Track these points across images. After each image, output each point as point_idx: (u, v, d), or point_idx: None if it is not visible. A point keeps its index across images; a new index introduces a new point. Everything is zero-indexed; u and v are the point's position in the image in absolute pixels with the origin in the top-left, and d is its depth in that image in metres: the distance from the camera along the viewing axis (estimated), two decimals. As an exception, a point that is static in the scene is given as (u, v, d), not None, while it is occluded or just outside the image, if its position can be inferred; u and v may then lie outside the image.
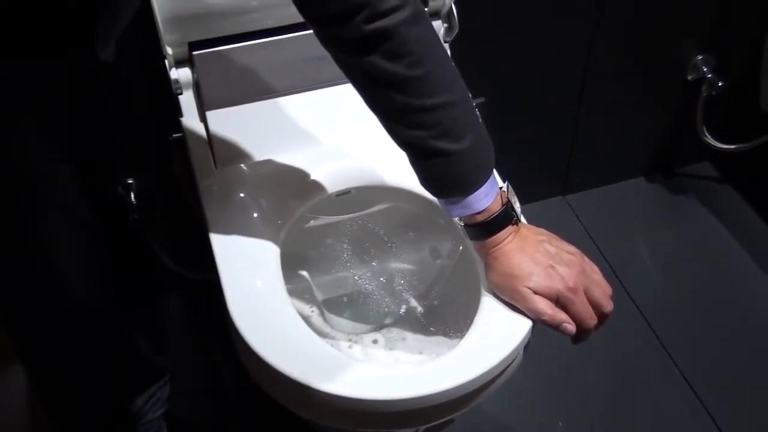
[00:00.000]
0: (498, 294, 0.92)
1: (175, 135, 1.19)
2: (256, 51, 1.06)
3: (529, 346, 0.93)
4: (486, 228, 0.89)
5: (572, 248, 0.92)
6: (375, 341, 1.12)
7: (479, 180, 0.86)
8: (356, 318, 1.15)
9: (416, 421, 0.91)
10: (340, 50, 0.81)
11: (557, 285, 0.88)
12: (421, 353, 1.09)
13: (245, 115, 1.10)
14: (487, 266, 0.92)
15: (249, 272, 0.98)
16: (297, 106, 1.12)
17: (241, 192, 1.08)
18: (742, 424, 1.39)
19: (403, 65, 0.79)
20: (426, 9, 1.10)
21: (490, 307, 0.92)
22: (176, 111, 1.12)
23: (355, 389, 0.85)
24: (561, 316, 0.88)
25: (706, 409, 1.40)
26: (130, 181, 1.33)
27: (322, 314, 1.14)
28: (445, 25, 1.16)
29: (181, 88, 1.07)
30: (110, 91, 1.05)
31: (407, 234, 1.16)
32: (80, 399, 1.15)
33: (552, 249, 0.90)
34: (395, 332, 1.13)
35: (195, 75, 1.07)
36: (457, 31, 1.15)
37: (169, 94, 1.08)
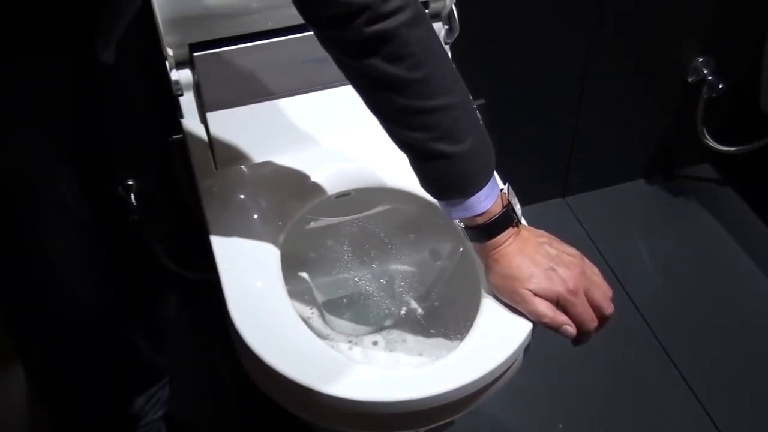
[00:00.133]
0: (498, 296, 0.92)
1: (175, 136, 1.19)
2: (256, 52, 1.06)
3: (529, 348, 0.93)
4: (486, 230, 0.89)
5: (573, 250, 0.92)
6: (375, 343, 1.12)
7: (480, 182, 0.86)
8: (356, 319, 1.15)
9: (416, 423, 0.91)
10: (341, 52, 0.81)
11: (558, 287, 0.87)
12: (421, 355, 1.09)
13: (246, 117, 1.10)
14: (488, 268, 0.92)
15: (249, 273, 0.98)
16: (297, 107, 1.12)
17: (242, 193, 1.08)
18: (741, 424, 1.39)
19: (404, 67, 0.79)
20: (427, 11, 1.11)
21: (490, 309, 0.92)
22: (177, 112, 1.12)
23: (355, 391, 0.85)
24: (561, 318, 0.88)
25: (705, 410, 1.40)
26: (130, 182, 1.33)
27: (322, 316, 1.14)
28: (446, 26, 1.16)
29: (181, 89, 1.07)
30: (111, 92, 1.05)
31: (407, 236, 1.16)
32: (80, 399, 1.16)
33: (552, 251, 0.90)
34: (395, 334, 1.13)
35: (195, 76, 1.07)
36: (457, 33, 1.15)
37: (170, 95, 1.08)
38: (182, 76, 1.07)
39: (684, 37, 1.58)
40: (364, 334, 1.14)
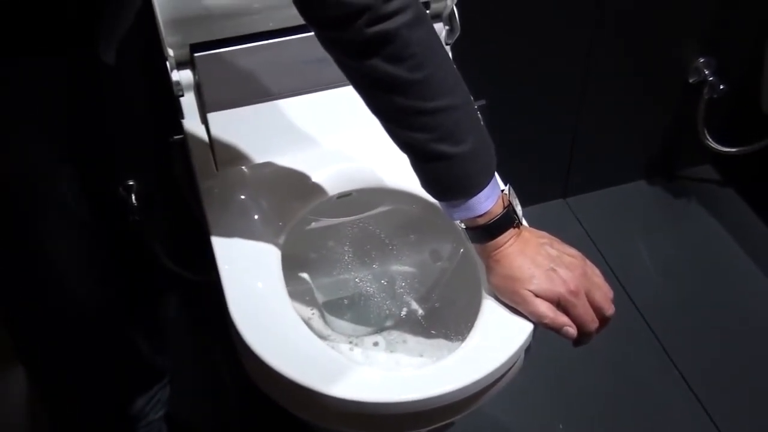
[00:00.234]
0: (499, 297, 0.92)
1: (176, 137, 1.19)
2: (257, 53, 1.06)
3: (530, 349, 0.93)
4: (487, 231, 0.88)
5: (573, 251, 0.92)
6: (376, 344, 1.12)
7: (481, 183, 0.86)
8: (357, 320, 1.15)
9: (417, 424, 0.90)
10: (342, 53, 0.81)
11: (558, 288, 0.87)
12: (421, 356, 1.09)
13: (246, 117, 1.10)
14: (489, 269, 0.92)
15: (250, 274, 0.98)
16: (298, 108, 1.12)
17: (242, 194, 1.08)
18: (741, 424, 1.39)
19: (405, 68, 0.79)
20: (427, 11, 1.11)
21: (491, 309, 0.92)
22: (177, 113, 1.12)
23: (355, 392, 0.85)
24: (562, 319, 0.88)
25: (705, 410, 1.40)
26: (131, 183, 1.33)
27: (322, 316, 1.14)
28: (447, 27, 1.16)
29: (182, 89, 1.07)
30: (111, 93, 1.05)
31: (408, 236, 1.16)
32: (80, 399, 1.15)
33: (553, 252, 0.90)
34: (396, 335, 1.13)
35: (196, 77, 1.07)
36: (458, 33, 1.15)
37: (171, 95, 1.08)
38: (183, 76, 1.07)
39: (685, 37, 1.58)
40: (365, 335, 1.14)
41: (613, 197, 1.78)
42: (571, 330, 0.89)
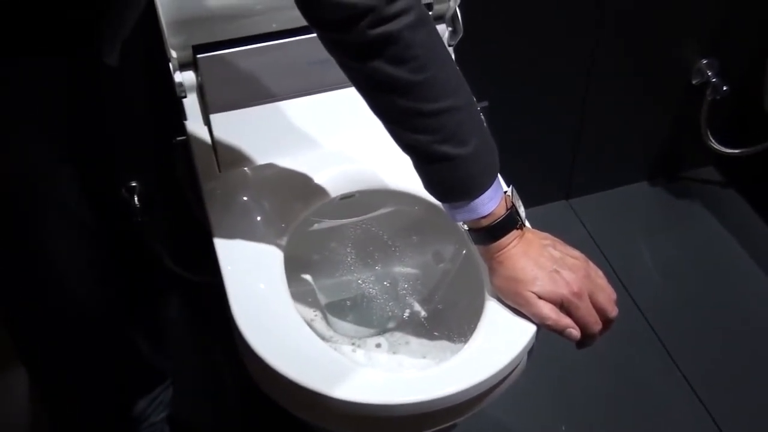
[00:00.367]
0: (502, 298, 0.92)
1: (178, 138, 1.19)
2: (260, 54, 1.06)
3: (533, 351, 0.92)
4: (490, 232, 0.88)
5: (577, 253, 0.92)
6: (378, 345, 1.12)
7: (484, 184, 0.86)
8: (359, 322, 1.15)
9: (420, 426, 0.90)
10: (344, 54, 0.81)
11: (562, 290, 0.87)
12: (424, 357, 1.09)
13: (249, 119, 1.10)
14: (492, 270, 0.92)
15: (252, 275, 0.97)
16: (301, 109, 1.12)
17: (245, 195, 1.08)
18: (743, 426, 1.38)
19: (407, 70, 0.79)
20: (430, 13, 1.11)
21: (494, 311, 0.92)
22: (180, 114, 1.12)
23: (358, 393, 0.84)
24: (565, 321, 0.88)
25: (708, 412, 1.40)
26: (133, 184, 1.33)
27: (325, 318, 1.14)
28: (450, 28, 1.16)
29: (185, 91, 1.07)
30: (113, 94, 1.05)
31: (411, 238, 1.16)
32: (80, 400, 1.15)
33: (556, 253, 0.90)
34: (399, 336, 1.13)
35: (199, 78, 1.07)
36: (461, 35, 1.15)
37: (173, 97, 1.08)
38: (186, 78, 1.07)
39: (688, 38, 1.57)
40: (368, 337, 1.14)
41: (616, 198, 1.78)
42: (575, 332, 0.88)
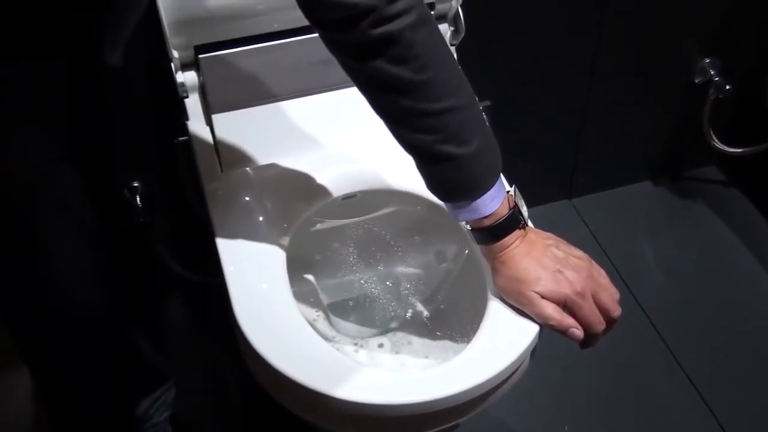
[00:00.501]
0: (505, 298, 0.92)
1: (180, 138, 1.19)
2: (261, 54, 1.06)
3: (536, 351, 0.92)
4: (493, 232, 0.88)
5: (580, 252, 0.92)
6: (381, 345, 1.12)
7: (486, 184, 0.86)
8: (362, 322, 1.15)
9: (422, 426, 0.90)
10: (346, 54, 0.81)
11: (565, 289, 0.87)
12: (427, 357, 1.09)
13: (251, 119, 1.10)
14: (494, 270, 0.91)
15: (254, 275, 0.97)
16: (303, 109, 1.12)
17: (247, 195, 1.08)
18: (746, 425, 1.38)
19: (409, 69, 0.79)
20: (432, 12, 1.11)
21: (496, 311, 0.92)
22: (182, 114, 1.12)
23: (361, 393, 0.84)
24: (568, 321, 0.88)
25: (711, 411, 1.40)
26: (135, 184, 1.33)
27: (327, 318, 1.14)
28: (452, 28, 1.16)
29: (187, 91, 1.07)
30: (115, 94, 1.05)
31: (413, 238, 1.16)
32: (81, 400, 1.15)
33: (559, 253, 0.90)
34: (401, 336, 1.13)
35: (201, 78, 1.07)
36: (463, 34, 1.15)
37: (175, 97, 1.08)
38: (188, 78, 1.07)
39: (691, 37, 1.57)
40: (370, 337, 1.14)
41: (619, 198, 1.77)
42: (578, 332, 0.88)
